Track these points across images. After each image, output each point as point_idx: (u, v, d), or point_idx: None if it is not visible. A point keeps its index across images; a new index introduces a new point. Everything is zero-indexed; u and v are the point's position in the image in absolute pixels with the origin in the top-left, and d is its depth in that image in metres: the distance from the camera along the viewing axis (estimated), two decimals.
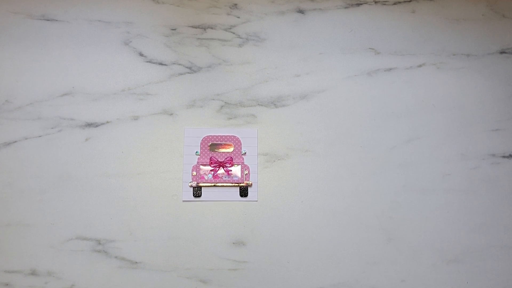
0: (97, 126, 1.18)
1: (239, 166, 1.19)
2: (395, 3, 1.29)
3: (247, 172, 1.19)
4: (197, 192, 1.17)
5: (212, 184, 1.18)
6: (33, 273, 1.11)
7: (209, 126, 1.21)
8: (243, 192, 1.18)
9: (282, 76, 1.24)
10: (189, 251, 1.14)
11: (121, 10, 1.24)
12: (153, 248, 1.14)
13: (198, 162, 1.19)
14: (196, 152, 1.19)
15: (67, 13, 1.23)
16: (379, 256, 1.16)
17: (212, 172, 1.19)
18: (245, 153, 1.20)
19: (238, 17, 1.26)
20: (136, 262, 1.13)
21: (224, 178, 1.19)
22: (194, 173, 1.18)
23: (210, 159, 1.19)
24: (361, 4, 1.28)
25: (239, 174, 1.19)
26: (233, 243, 1.15)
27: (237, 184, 1.18)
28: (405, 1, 1.29)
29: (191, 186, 1.17)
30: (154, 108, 1.20)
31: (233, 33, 1.25)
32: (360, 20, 1.27)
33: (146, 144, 1.18)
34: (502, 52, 1.28)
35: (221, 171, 1.19)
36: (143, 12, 1.25)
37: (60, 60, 1.21)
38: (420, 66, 1.26)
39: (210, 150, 1.20)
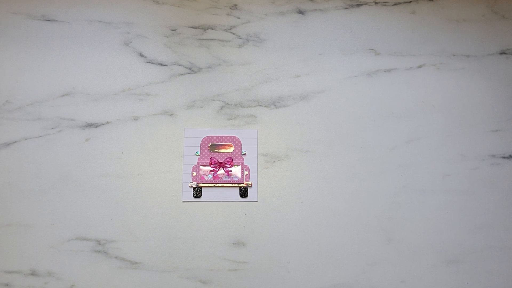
0: (97, 126, 1.19)
1: (239, 166, 1.19)
2: (395, 4, 1.29)
3: (247, 172, 1.19)
4: (197, 192, 1.17)
5: (212, 185, 1.18)
6: (33, 273, 1.11)
7: (209, 126, 1.21)
8: (243, 192, 1.18)
9: (282, 76, 1.24)
10: (189, 251, 1.14)
11: (121, 11, 1.24)
12: (153, 248, 1.14)
13: (198, 163, 1.19)
14: (196, 152, 1.20)
15: (67, 14, 1.23)
16: (379, 256, 1.16)
17: (212, 172, 1.19)
18: (245, 153, 1.20)
19: (238, 18, 1.26)
20: (136, 263, 1.13)
21: (224, 179, 1.19)
22: (194, 173, 1.18)
23: (210, 159, 1.19)
24: (361, 4, 1.29)
25: (239, 175, 1.19)
26: (233, 243, 1.15)
27: (237, 185, 1.18)
28: (405, 2, 1.29)
29: (191, 186, 1.17)
30: (154, 108, 1.20)
31: (233, 33, 1.25)
32: (360, 20, 1.27)
33: (146, 144, 1.18)
34: (502, 53, 1.28)
35: (221, 171, 1.19)
36: (143, 13, 1.25)
37: (60, 60, 1.21)
38: (420, 66, 1.26)
39: (210, 150, 1.20)
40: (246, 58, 1.24)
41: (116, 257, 1.13)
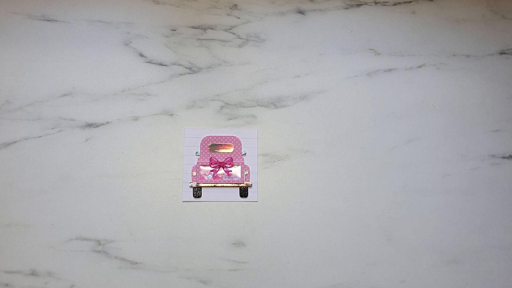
0: (97, 126, 1.19)
1: (239, 166, 1.19)
2: (395, 4, 1.29)
3: (247, 172, 1.19)
4: (197, 192, 1.17)
5: (212, 185, 1.18)
6: (33, 273, 1.11)
7: (209, 126, 1.21)
8: (243, 192, 1.18)
9: (282, 76, 1.24)
10: (189, 251, 1.14)
11: (121, 11, 1.24)
12: (153, 248, 1.14)
13: (198, 163, 1.19)
14: (196, 152, 1.20)
15: (67, 14, 1.23)
16: (379, 256, 1.16)
17: (212, 172, 1.19)
18: (245, 153, 1.20)
19: (238, 18, 1.26)
20: (136, 263, 1.13)
21: (224, 179, 1.19)
22: (194, 173, 1.18)
23: (210, 159, 1.19)
24: (361, 4, 1.29)
25: (239, 175, 1.19)
26: (233, 243, 1.15)
27: (237, 185, 1.18)
28: (405, 2, 1.29)
29: (191, 186, 1.17)
30: (154, 108, 1.20)
31: (233, 33, 1.25)
32: (360, 21, 1.27)
33: (146, 144, 1.18)
34: (502, 53, 1.28)
35: (221, 171, 1.19)
36: (143, 13, 1.25)
37: (60, 60, 1.21)
38: (420, 66, 1.26)
39: (210, 150, 1.20)
40: (246, 58, 1.24)
41: (116, 257, 1.13)
